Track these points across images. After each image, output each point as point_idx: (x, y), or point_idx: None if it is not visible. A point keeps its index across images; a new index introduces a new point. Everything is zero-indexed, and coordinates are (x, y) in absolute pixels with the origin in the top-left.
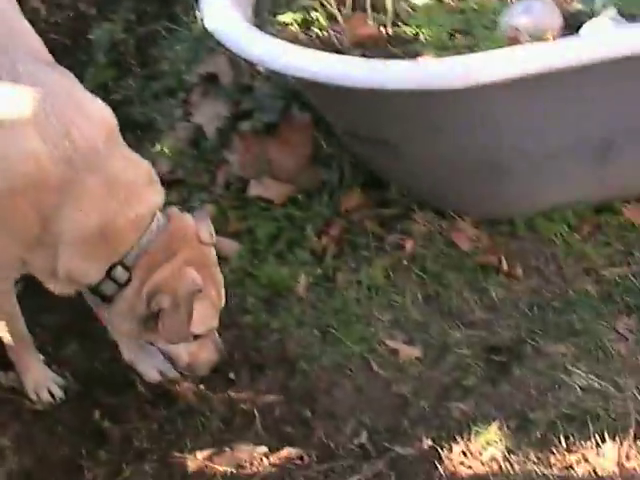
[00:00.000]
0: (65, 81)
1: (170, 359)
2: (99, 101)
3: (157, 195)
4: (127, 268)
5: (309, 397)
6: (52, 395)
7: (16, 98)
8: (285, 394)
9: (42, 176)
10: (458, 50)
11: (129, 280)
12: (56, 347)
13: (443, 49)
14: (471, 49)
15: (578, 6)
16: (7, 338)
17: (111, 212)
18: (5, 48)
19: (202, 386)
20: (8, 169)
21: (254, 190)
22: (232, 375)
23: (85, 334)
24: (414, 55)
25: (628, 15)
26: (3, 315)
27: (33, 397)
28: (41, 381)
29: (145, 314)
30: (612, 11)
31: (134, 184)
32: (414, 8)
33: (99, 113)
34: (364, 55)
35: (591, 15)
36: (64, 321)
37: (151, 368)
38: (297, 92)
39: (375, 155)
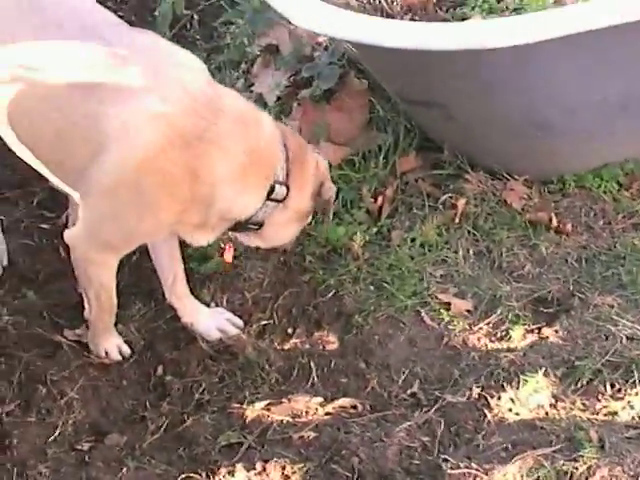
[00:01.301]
0: (154, 40)
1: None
2: (185, 50)
3: (266, 114)
4: (282, 183)
5: (364, 349)
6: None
7: (122, 68)
8: (341, 347)
9: (177, 133)
10: (504, 13)
11: (288, 193)
12: (122, 306)
13: (490, 12)
14: (517, 12)
15: None
16: (92, 303)
17: (251, 139)
18: (88, 22)
19: (261, 341)
20: (142, 137)
21: None
22: (290, 330)
23: (149, 295)
24: (462, 19)
25: None
26: (102, 288)
27: (102, 355)
28: (113, 340)
29: (308, 210)
30: None
31: (251, 110)
32: None
33: (193, 62)
34: (413, 19)
35: None
36: (129, 282)
37: (211, 328)
38: (354, 60)
39: (428, 118)
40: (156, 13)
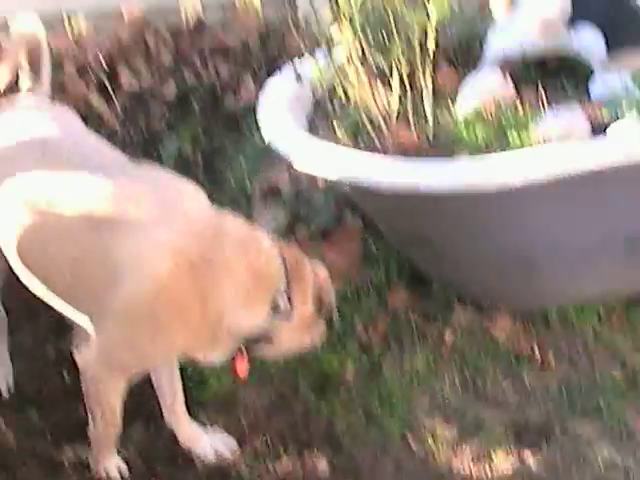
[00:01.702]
0: (160, 174)
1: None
2: (187, 181)
3: (264, 233)
4: (284, 297)
5: (352, 472)
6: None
7: (131, 201)
8: (330, 468)
9: (185, 260)
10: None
11: (291, 306)
12: (122, 426)
13: (478, 152)
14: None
15: (604, 111)
16: (97, 421)
17: (253, 258)
18: (99, 161)
19: (254, 462)
20: (153, 266)
21: None
22: (282, 451)
23: (149, 416)
24: (453, 160)
25: None
26: (109, 407)
27: (102, 475)
28: (113, 460)
29: (312, 318)
30: (636, 115)
31: (250, 230)
32: (454, 118)
33: (195, 191)
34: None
35: (617, 119)
36: (129, 401)
37: (208, 450)
38: (349, 199)
39: (419, 254)
40: (161, 152)
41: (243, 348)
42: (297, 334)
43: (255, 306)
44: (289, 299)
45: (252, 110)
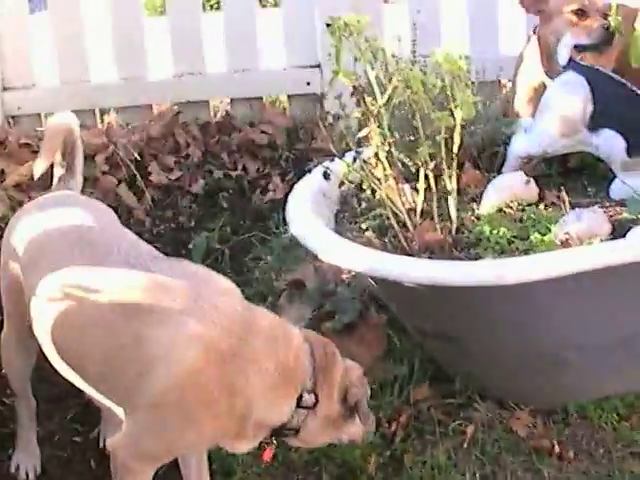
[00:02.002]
0: (190, 267)
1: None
2: (219, 274)
3: (294, 327)
4: (310, 392)
5: None
6: None
7: (163, 292)
8: None
9: (214, 352)
10: (515, 254)
11: (316, 401)
12: None
13: (502, 253)
14: (527, 253)
15: (625, 215)
16: None
17: (281, 355)
18: (132, 253)
19: None
20: (183, 358)
21: None
22: None
23: None
24: (475, 258)
25: None
26: None
27: None
28: None
29: (339, 415)
30: None
31: (280, 326)
32: (478, 217)
33: (227, 285)
34: (431, 258)
35: (638, 222)
36: None
37: None
38: (373, 295)
39: (442, 350)
40: (190, 246)
41: (270, 437)
42: (324, 428)
43: (281, 401)
44: (315, 394)
45: (279, 207)
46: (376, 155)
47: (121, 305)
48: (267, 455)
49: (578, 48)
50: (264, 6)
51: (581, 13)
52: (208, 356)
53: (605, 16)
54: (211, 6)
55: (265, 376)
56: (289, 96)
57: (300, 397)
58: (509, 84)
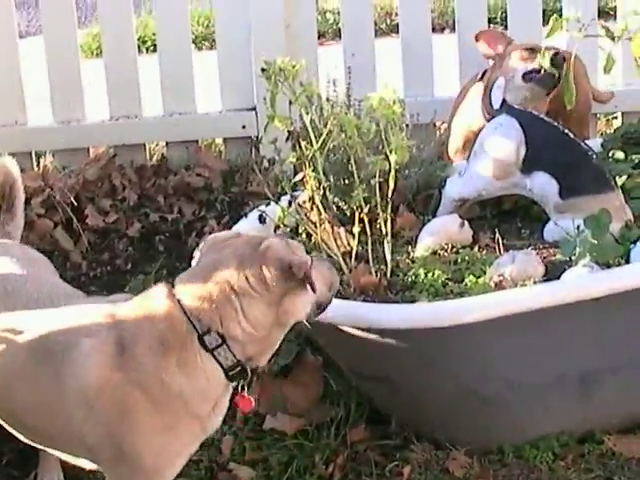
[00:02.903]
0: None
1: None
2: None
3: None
4: (206, 332)
5: None
6: None
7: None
8: None
9: (105, 357)
10: (449, 296)
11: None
12: None
13: (436, 295)
14: (461, 295)
15: (559, 256)
16: None
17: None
18: (51, 297)
19: None
20: (85, 374)
21: (269, 423)
22: None
23: None
24: (410, 301)
25: (603, 264)
26: None
27: None
28: None
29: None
30: (588, 260)
31: (141, 305)
32: (413, 260)
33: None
34: (365, 301)
35: (570, 264)
36: None
37: None
38: (309, 337)
39: (377, 392)
40: (127, 289)
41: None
42: (264, 328)
43: (193, 365)
44: (217, 332)
45: None
46: (311, 199)
47: (32, 350)
48: (244, 405)
49: (526, 78)
50: (200, 49)
51: (532, 52)
52: (101, 362)
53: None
54: (147, 49)
55: (160, 352)
56: (225, 139)
57: (204, 345)
58: (444, 126)
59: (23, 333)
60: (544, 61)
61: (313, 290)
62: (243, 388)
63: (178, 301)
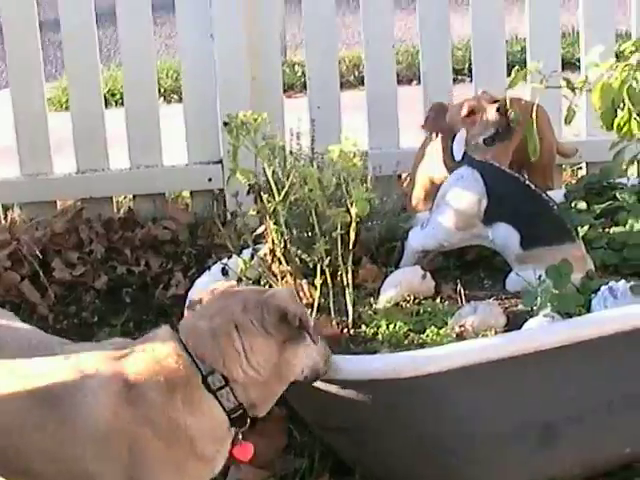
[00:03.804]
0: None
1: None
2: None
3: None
4: (210, 372)
5: None
6: None
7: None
8: None
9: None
10: (410, 347)
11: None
12: None
13: (398, 346)
14: (422, 346)
15: (521, 306)
16: None
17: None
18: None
19: None
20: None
21: (233, 475)
22: None
23: None
24: (372, 352)
25: (564, 313)
26: None
27: None
28: None
29: (274, 351)
30: (550, 310)
31: (146, 349)
32: (375, 311)
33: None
34: None
35: (532, 314)
36: None
37: None
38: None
39: (341, 443)
40: (93, 342)
41: (236, 434)
42: (265, 378)
43: (198, 405)
44: (220, 374)
45: (182, 302)
46: (272, 251)
47: (37, 398)
48: (242, 454)
49: (486, 141)
50: (169, 102)
51: (473, 112)
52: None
53: (504, 110)
54: (116, 102)
55: (166, 391)
56: (192, 192)
57: (207, 386)
58: (407, 177)
59: (25, 381)
60: (490, 116)
61: (313, 340)
62: (242, 437)
63: (182, 342)
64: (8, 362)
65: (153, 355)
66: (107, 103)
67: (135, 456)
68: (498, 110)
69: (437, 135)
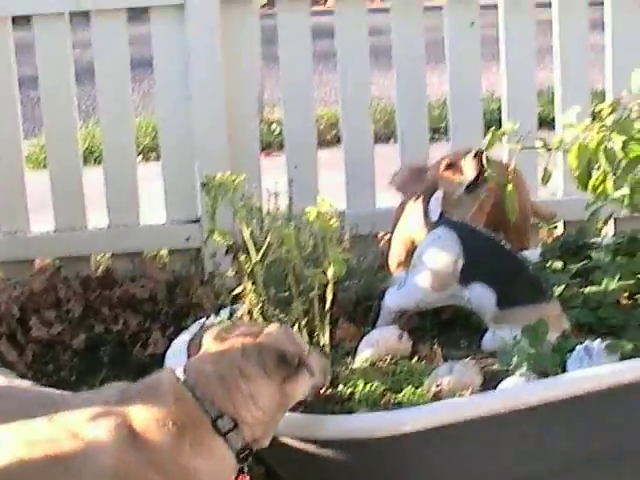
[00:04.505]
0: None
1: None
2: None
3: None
4: (220, 415)
5: None
6: None
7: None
8: None
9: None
10: (387, 406)
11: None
12: None
13: (374, 406)
14: (399, 405)
15: (497, 366)
16: None
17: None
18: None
19: None
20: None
21: None
22: None
23: None
24: (349, 412)
25: (540, 372)
26: None
27: None
28: None
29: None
30: (526, 369)
31: (149, 388)
32: (352, 371)
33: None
34: (304, 412)
35: (508, 373)
36: None
37: None
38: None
39: None
40: None
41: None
42: (270, 417)
43: (208, 448)
44: (230, 416)
45: (160, 361)
46: (250, 312)
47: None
48: None
49: (468, 188)
50: (147, 159)
51: (451, 165)
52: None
53: (480, 164)
54: (95, 159)
55: (173, 434)
56: (170, 251)
57: (217, 429)
58: (387, 237)
59: (32, 448)
60: (468, 162)
61: (311, 374)
62: (243, 470)
63: (191, 387)
64: (14, 427)
65: (159, 399)
66: (86, 161)
67: None
68: (475, 156)
69: (414, 198)
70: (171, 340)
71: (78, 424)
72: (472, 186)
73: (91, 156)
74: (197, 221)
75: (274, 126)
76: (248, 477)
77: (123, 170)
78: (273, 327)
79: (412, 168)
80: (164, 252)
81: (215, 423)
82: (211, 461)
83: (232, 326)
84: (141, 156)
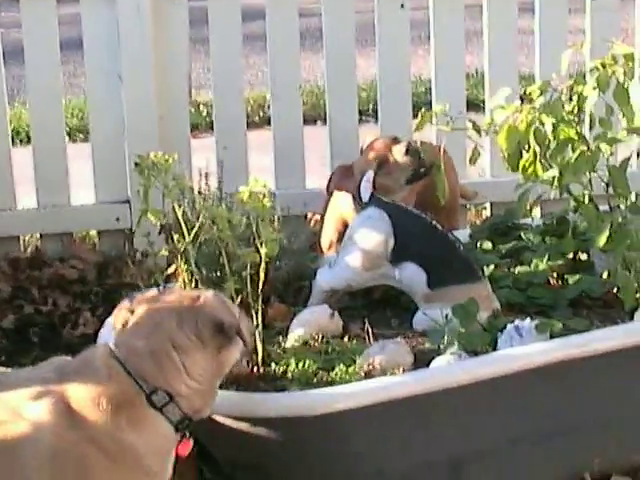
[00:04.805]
0: None
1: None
2: None
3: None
4: (153, 390)
5: None
6: None
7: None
8: None
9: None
10: (319, 385)
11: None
12: None
13: (307, 384)
14: (331, 384)
15: (428, 345)
16: None
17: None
18: None
19: None
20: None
21: None
22: None
23: None
24: (282, 390)
25: (471, 351)
26: None
27: None
28: None
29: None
30: (457, 348)
31: (84, 363)
32: (284, 350)
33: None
34: (237, 390)
35: (439, 352)
36: None
37: None
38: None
39: None
40: None
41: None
42: (205, 386)
43: (144, 423)
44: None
45: (90, 341)
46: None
47: None
48: (182, 450)
49: (408, 181)
50: (75, 141)
51: (382, 163)
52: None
53: (414, 150)
54: (21, 140)
55: (109, 411)
56: (99, 231)
57: (152, 404)
58: (316, 217)
59: None
60: (398, 157)
61: (245, 345)
62: (184, 435)
63: (122, 363)
64: None
65: (94, 377)
66: (13, 142)
67: (85, 477)
68: (407, 152)
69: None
70: (102, 321)
71: (16, 404)
72: (415, 176)
73: (17, 137)
74: (127, 202)
75: (202, 108)
76: (192, 440)
77: (52, 150)
78: (208, 295)
79: (342, 168)
80: (93, 233)
81: (150, 398)
82: (149, 436)
83: (165, 291)
84: (68, 137)
